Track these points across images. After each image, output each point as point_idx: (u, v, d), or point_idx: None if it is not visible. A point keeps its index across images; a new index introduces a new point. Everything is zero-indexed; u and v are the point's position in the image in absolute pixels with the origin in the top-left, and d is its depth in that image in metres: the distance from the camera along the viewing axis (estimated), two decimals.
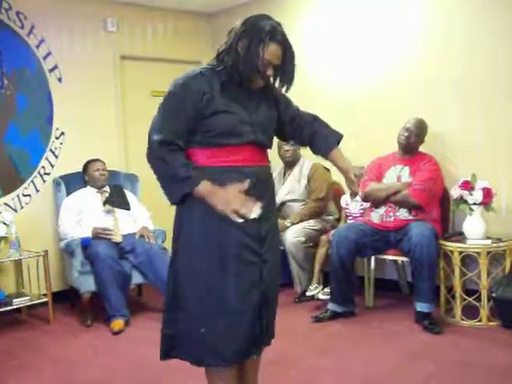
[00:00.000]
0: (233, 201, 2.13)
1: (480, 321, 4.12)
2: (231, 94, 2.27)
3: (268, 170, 2.43)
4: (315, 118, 2.56)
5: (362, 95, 5.20)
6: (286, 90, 2.42)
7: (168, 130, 2.22)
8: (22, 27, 5.11)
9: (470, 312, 4.17)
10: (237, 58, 2.28)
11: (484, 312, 4.11)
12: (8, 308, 4.56)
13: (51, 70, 5.30)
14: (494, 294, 4.02)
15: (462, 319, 4.18)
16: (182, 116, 2.23)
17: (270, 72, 2.30)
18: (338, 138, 2.50)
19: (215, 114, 2.22)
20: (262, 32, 2.24)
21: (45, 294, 4.73)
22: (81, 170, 5.16)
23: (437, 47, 4.74)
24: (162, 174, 2.28)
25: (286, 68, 2.36)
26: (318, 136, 2.49)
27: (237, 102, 2.27)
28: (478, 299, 4.14)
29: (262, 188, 2.31)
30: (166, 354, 2.44)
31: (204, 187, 2.17)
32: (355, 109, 5.23)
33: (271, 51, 2.26)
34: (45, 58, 5.26)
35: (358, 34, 5.23)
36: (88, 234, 4.72)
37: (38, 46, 5.21)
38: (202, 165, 2.24)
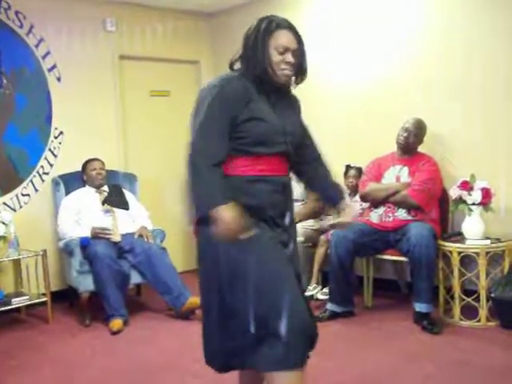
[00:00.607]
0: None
1: (479, 321, 4.12)
2: (265, 101, 2.23)
3: (290, 179, 2.40)
4: (327, 176, 2.58)
5: (361, 95, 5.20)
6: (301, 81, 2.37)
7: (212, 146, 2.16)
8: (21, 27, 5.10)
9: (469, 312, 4.17)
10: (253, 55, 2.23)
11: (483, 312, 4.11)
12: (7, 308, 4.56)
13: (50, 70, 5.29)
14: (492, 295, 4.02)
15: (461, 319, 4.18)
16: (224, 124, 2.17)
17: (290, 58, 2.23)
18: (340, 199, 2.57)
19: (250, 121, 2.16)
20: (269, 24, 2.25)
21: (44, 294, 4.73)
22: (80, 169, 5.16)
23: (436, 47, 4.73)
24: (196, 187, 2.18)
25: (303, 53, 2.31)
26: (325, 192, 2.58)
27: (270, 109, 2.23)
28: (477, 299, 4.14)
29: (288, 198, 2.31)
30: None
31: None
32: (354, 109, 5.23)
33: (283, 36, 2.24)
34: (44, 57, 5.25)
35: (357, 34, 5.22)
36: (87, 233, 4.72)
37: (37, 46, 5.21)
38: (228, 174, 2.17)
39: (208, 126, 2.17)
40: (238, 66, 2.32)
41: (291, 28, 2.29)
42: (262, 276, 2.12)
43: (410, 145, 4.51)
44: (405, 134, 4.49)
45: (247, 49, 2.25)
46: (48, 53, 5.27)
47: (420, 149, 4.58)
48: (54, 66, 5.31)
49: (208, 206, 2.10)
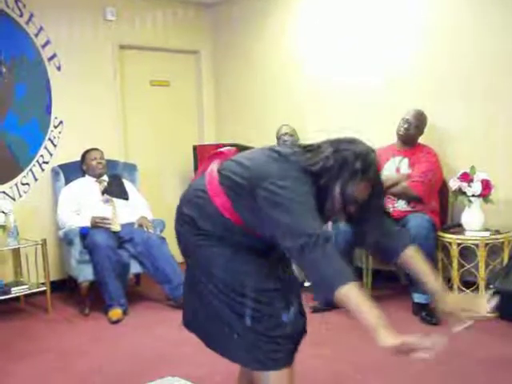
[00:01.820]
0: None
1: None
2: None
3: None
4: None
5: (361, 87, 5.19)
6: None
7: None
8: (21, 15, 5.08)
9: None
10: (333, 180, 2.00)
11: None
12: (6, 296, 4.57)
13: (50, 59, 5.28)
14: (491, 286, 4.03)
15: None
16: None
17: (352, 209, 2.05)
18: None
19: None
20: (355, 172, 1.98)
21: (43, 283, 4.74)
22: (79, 159, 5.15)
23: (436, 39, 4.72)
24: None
25: (370, 204, 2.08)
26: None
27: None
28: (476, 291, 4.15)
29: None
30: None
31: None
32: (354, 100, 5.22)
33: (361, 189, 2.01)
34: (44, 46, 5.24)
35: (357, 26, 5.21)
36: (86, 223, 4.72)
37: (36, 35, 5.19)
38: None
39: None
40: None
41: (373, 176, 2.05)
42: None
43: (411, 136, 4.51)
44: (405, 126, 4.48)
45: (333, 168, 1.99)
46: (48, 42, 5.26)
47: (420, 140, 4.57)
48: (53, 55, 5.29)
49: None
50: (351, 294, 1.91)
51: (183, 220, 2.19)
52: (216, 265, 2.11)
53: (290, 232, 1.85)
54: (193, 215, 2.14)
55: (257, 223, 2.01)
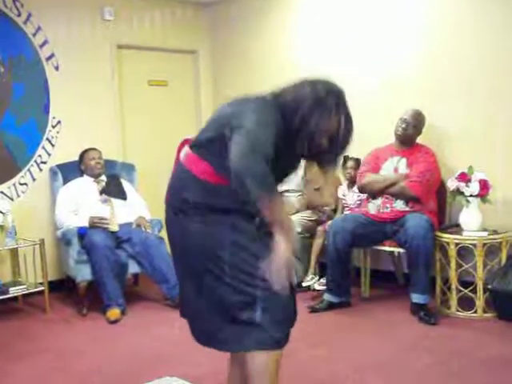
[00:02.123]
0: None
1: (475, 312, 4.14)
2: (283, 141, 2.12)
3: None
4: None
5: (360, 86, 5.19)
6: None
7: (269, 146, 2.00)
8: (19, 15, 5.07)
9: (466, 303, 4.19)
10: (305, 126, 2.16)
11: (480, 303, 4.12)
12: (4, 296, 4.57)
13: (48, 59, 5.27)
14: (489, 286, 4.04)
15: (458, 310, 4.19)
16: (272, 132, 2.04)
17: (324, 142, 2.23)
18: None
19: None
20: (330, 109, 2.25)
21: (41, 283, 4.73)
22: (77, 159, 5.15)
23: (436, 38, 4.72)
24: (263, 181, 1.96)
25: (338, 139, 2.31)
26: None
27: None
28: (474, 291, 4.15)
29: None
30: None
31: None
32: (353, 100, 5.21)
33: (333, 123, 2.25)
34: (41, 46, 5.23)
35: (356, 25, 5.21)
36: (84, 223, 4.72)
37: (34, 34, 5.18)
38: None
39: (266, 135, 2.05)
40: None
41: (346, 111, 2.41)
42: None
43: (409, 136, 4.51)
44: (403, 126, 4.49)
45: (306, 117, 2.15)
46: (46, 41, 5.25)
47: (418, 140, 4.57)
48: (51, 55, 5.29)
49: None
50: (278, 201, 2.01)
51: (176, 209, 2.23)
52: (222, 246, 2.13)
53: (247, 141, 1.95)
54: (184, 197, 2.18)
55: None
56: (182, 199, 2.20)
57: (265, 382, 2.19)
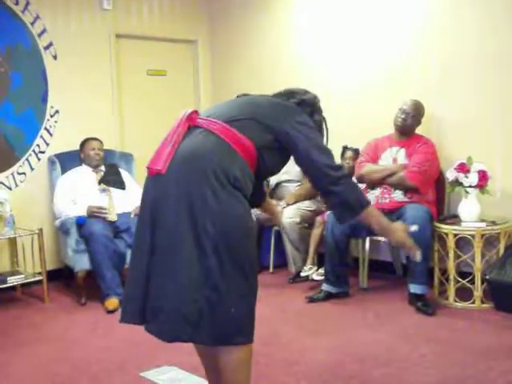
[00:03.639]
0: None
1: (473, 303, 4.15)
2: None
3: None
4: None
5: (359, 76, 5.18)
6: None
7: None
8: (17, 3, 5.05)
9: (464, 294, 4.19)
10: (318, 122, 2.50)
11: (477, 294, 4.13)
12: (3, 286, 4.58)
13: (46, 48, 5.25)
14: (487, 277, 4.03)
15: (456, 301, 4.20)
16: None
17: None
18: None
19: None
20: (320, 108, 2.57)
21: (39, 273, 4.74)
22: (76, 148, 5.14)
23: (436, 28, 4.71)
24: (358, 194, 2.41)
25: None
26: None
27: None
28: (472, 281, 4.16)
29: None
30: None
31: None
32: (352, 90, 5.21)
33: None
34: (40, 35, 5.21)
35: (356, 14, 5.19)
36: (83, 212, 4.71)
37: (32, 23, 5.16)
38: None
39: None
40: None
41: None
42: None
43: (408, 127, 4.50)
44: (402, 116, 4.48)
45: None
46: (44, 30, 5.23)
47: (417, 131, 4.57)
48: (50, 44, 5.27)
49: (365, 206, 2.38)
50: (373, 211, 2.47)
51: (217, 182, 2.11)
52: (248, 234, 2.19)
53: (330, 166, 2.30)
54: (230, 171, 2.14)
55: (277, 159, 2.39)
56: (226, 172, 2.13)
57: (245, 375, 2.25)
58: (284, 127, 2.27)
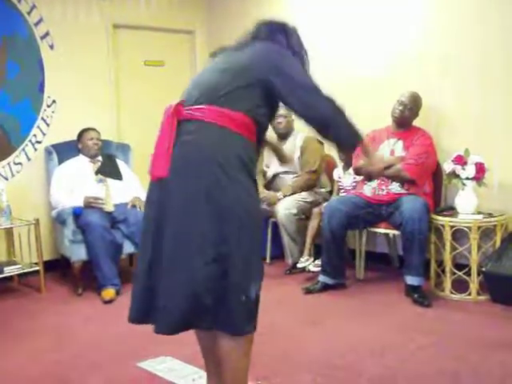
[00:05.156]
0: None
1: (469, 295, 4.16)
2: None
3: None
4: None
5: (357, 69, 5.17)
6: None
7: None
8: None
9: (460, 286, 4.21)
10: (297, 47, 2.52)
11: (473, 286, 4.14)
12: None
13: (43, 37, 5.22)
14: (483, 269, 4.05)
15: (452, 293, 4.21)
16: None
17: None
18: None
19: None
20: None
21: (36, 263, 4.74)
22: (73, 138, 5.13)
23: (432, 21, 4.70)
24: (347, 119, 2.33)
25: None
26: None
27: None
28: (468, 273, 4.17)
29: None
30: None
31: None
32: (349, 82, 5.20)
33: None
34: (36, 24, 5.18)
35: (354, 8, 5.17)
36: (80, 203, 4.70)
37: (29, 13, 5.13)
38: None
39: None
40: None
41: None
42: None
43: (405, 118, 4.50)
44: (400, 108, 4.47)
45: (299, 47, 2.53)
46: (40, 20, 5.20)
47: (416, 122, 4.57)
48: (46, 34, 5.24)
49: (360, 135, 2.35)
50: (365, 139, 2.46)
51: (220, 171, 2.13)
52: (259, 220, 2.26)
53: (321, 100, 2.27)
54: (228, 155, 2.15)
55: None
56: (232, 161, 2.15)
57: (246, 363, 2.29)
58: (266, 76, 2.23)
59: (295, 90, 2.23)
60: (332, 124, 2.29)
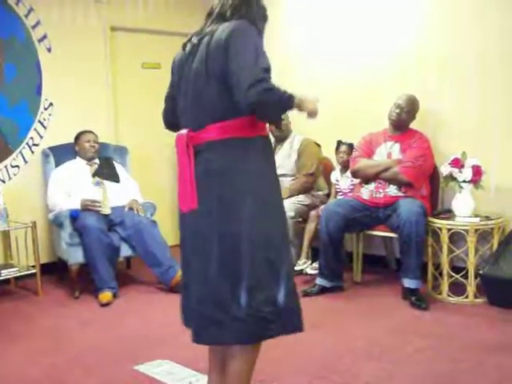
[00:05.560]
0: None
1: (466, 298, 4.16)
2: None
3: None
4: None
5: (354, 71, 5.18)
6: None
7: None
8: None
9: (457, 289, 4.21)
10: (259, 11, 2.53)
11: (471, 289, 4.14)
12: None
13: (40, 40, 5.22)
14: (480, 272, 4.05)
15: (449, 296, 4.21)
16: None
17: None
18: None
19: None
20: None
21: (33, 266, 4.73)
22: (70, 141, 5.12)
23: (429, 23, 4.71)
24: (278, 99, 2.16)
25: None
26: None
27: None
28: (465, 276, 4.17)
29: None
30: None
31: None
32: (346, 84, 5.21)
33: None
34: (34, 27, 5.18)
35: (351, 9, 5.18)
36: (77, 205, 4.70)
37: (26, 16, 5.13)
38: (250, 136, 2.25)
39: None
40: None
41: None
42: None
43: (402, 121, 4.50)
44: (397, 111, 4.48)
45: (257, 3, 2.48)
46: (38, 23, 5.20)
47: (413, 125, 4.57)
48: (44, 37, 5.24)
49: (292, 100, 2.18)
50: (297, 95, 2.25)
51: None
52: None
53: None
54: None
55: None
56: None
57: (251, 366, 2.35)
58: (227, 67, 2.23)
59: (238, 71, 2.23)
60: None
